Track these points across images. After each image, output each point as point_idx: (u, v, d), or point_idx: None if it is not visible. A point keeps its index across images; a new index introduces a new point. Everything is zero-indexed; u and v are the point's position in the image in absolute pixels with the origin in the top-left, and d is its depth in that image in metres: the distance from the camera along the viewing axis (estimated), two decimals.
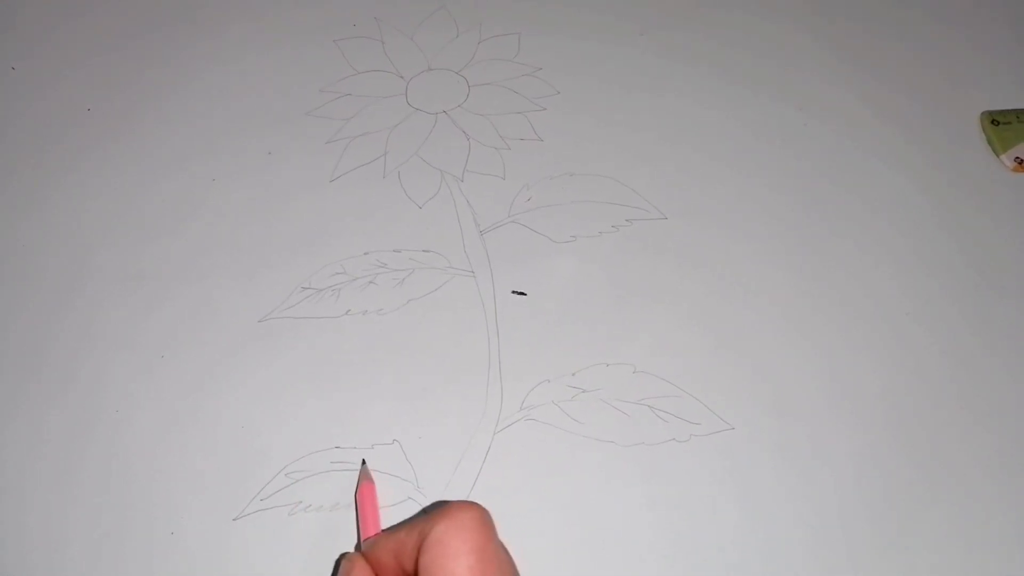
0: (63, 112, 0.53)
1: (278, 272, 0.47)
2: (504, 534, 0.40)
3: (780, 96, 0.55)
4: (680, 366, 0.44)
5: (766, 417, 0.43)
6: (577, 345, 0.45)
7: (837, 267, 0.48)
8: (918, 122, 0.54)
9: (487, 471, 0.41)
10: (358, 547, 0.39)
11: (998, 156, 0.52)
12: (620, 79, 0.55)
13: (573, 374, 0.44)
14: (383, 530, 0.38)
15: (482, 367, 0.44)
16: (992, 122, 0.53)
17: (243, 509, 0.40)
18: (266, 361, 0.44)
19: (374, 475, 0.41)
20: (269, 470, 0.41)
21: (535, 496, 0.41)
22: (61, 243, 0.48)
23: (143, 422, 0.42)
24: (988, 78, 0.56)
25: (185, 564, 0.39)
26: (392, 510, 0.40)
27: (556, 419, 0.43)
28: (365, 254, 0.48)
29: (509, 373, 0.44)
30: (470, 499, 0.41)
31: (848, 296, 0.47)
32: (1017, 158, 0.52)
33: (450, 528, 0.30)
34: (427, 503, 0.41)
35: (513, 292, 0.47)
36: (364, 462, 0.41)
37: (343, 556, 0.38)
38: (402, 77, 0.55)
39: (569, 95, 0.54)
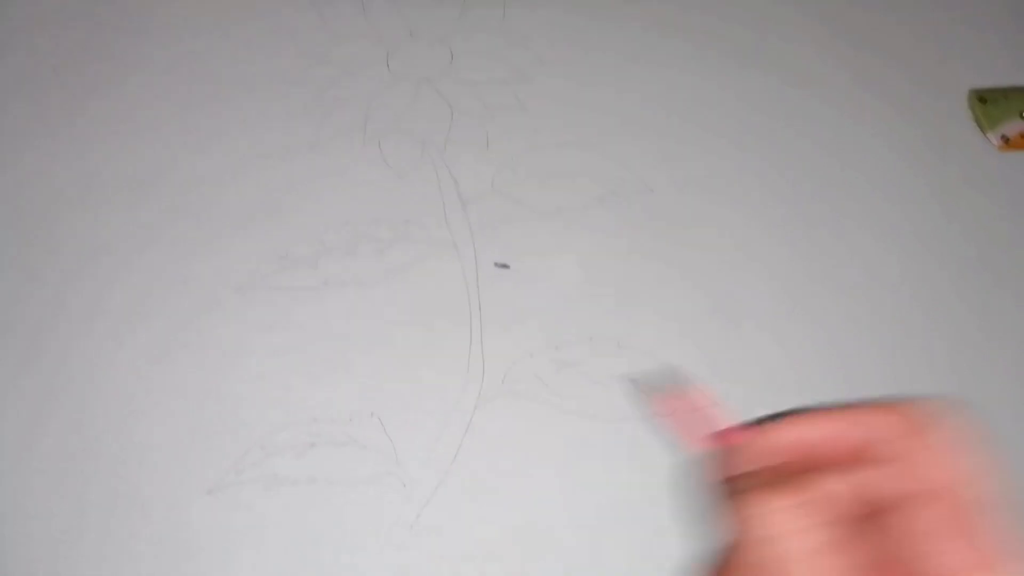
0: (27, 75, 0.51)
1: (255, 242, 0.46)
2: (485, 508, 0.39)
3: (768, 68, 0.54)
4: (665, 340, 0.44)
5: (754, 391, 0.43)
6: (561, 319, 0.44)
7: (824, 239, 0.48)
8: (907, 98, 0.53)
9: (468, 445, 0.41)
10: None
11: (985, 134, 0.52)
12: (607, 48, 0.54)
13: (556, 348, 0.43)
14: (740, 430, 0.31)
15: (464, 340, 0.43)
16: (980, 100, 0.53)
17: (217, 483, 0.39)
18: (242, 332, 0.43)
19: (350, 447, 0.40)
20: (244, 443, 0.40)
21: (516, 471, 0.40)
22: (30, 210, 0.46)
23: (115, 395, 0.41)
24: (976, 56, 0.56)
25: (158, 539, 0.38)
26: (370, 484, 0.40)
27: (539, 394, 0.42)
28: (345, 224, 0.46)
29: (491, 346, 0.43)
30: (451, 472, 0.40)
31: (837, 268, 0.47)
32: (1004, 136, 0.52)
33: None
34: (407, 477, 0.40)
35: (496, 264, 0.46)
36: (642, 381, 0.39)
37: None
38: (384, 43, 0.53)
39: (555, 64, 0.53)
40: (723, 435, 0.31)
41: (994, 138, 0.52)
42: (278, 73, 0.52)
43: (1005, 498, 0.24)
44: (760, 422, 0.30)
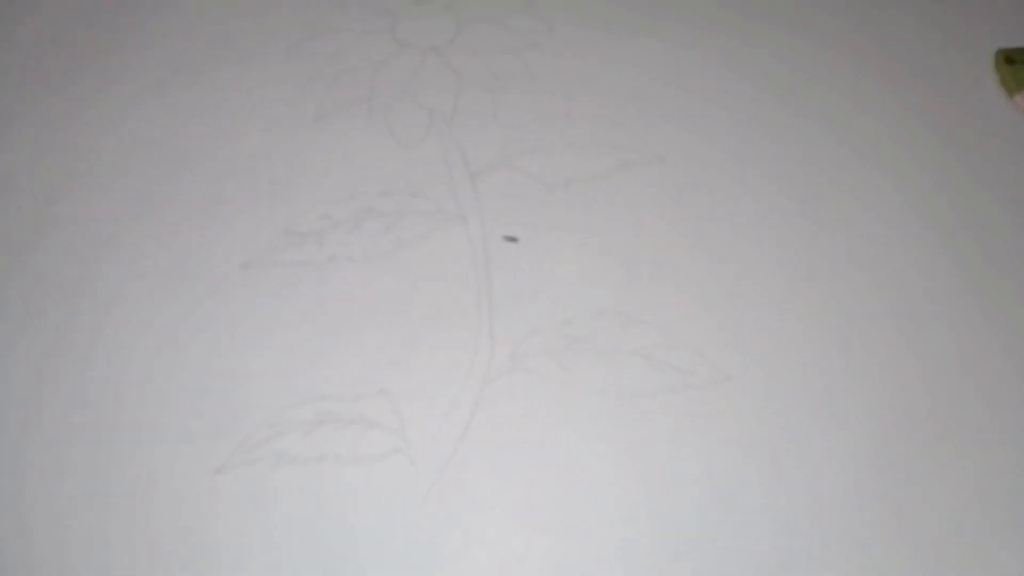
0: (27, 45, 0.50)
1: (260, 217, 0.45)
2: (494, 485, 0.39)
3: (785, 33, 0.52)
4: (676, 315, 0.43)
5: (764, 367, 0.42)
6: (570, 293, 0.43)
7: (840, 211, 0.46)
8: (928, 59, 0.51)
9: (477, 422, 0.40)
10: None
11: (1011, 97, 0.50)
12: (618, 16, 0.52)
13: (566, 323, 0.43)
14: None
15: (472, 315, 0.43)
16: (1007, 60, 0.51)
17: (225, 461, 0.39)
18: (249, 309, 0.43)
19: (358, 425, 0.40)
20: (252, 421, 0.40)
21: (526, 447, 0.40)
22: (40, 193, 0.46)
23: (124, 372, 0.41)
24: (1004, 13, 0.53)
25: (166, 516, 0.38)
26: (379, 462, 0.39)
27: (548, 369, 0.41)
28: (351, 198, 0.46)
29: (500, 321, 0.43)
30: (460, 449, 0.40)
31: (851, 240, 0.45)
32: None
33: None
34: (415, 455, 0.39)
35: (505, 238, 0.45)
36: None
37: None
38: (389, 11, 0.52)
39: (564, 32, 0.52)
40: None
41: (1022, 101, 0.50)
42: (281, 43, 0.51)
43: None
44: None
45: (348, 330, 0.42)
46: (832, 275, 0.45)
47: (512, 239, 0.45)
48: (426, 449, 0.40)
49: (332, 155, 0.47)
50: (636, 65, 0.51)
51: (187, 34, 0.51)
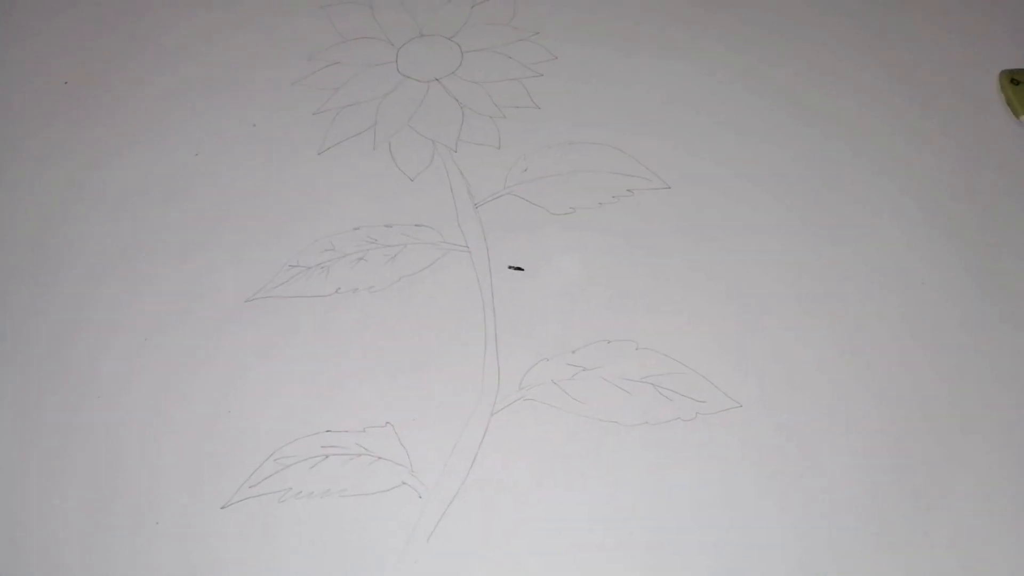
0: (41, 88, 0.51)
1: (265, 249, 0.45)
2: (503, 517, 0.38)
3: (788, 60, 0.52)
4: (685, 342, 0.43)
5: (775, 394, 0.41)
6: (577, 322, 0.43)
7: (848, 236, 0.46)
8: (934, 82, 0.51)
9: (484, 454, 0.40)
10: None
11: (1018, 118, 0.50)
12: (620, 43, 0.53)
13: (573, 352, 0.42)
14: None
15: (478, 346, 0.42)
16: (1012, 81, 0.51)
17: (231, 497, 0.39)
18: (254, 342, 0.43)
19: (365, 458, 0.39)
20: (258, 455, 0.40)
21: (535, 479, 0.39)
22: (42, 224, 0.46)
23: (127, 407, 0.41)
24: (1008, 34, 0.53)
25: (172, 554, 0.37)
26: (385, 495, 0.39)
27: (556, 399, 0.41)
28: (355, 229, 0.46)
29: (506, 351, 0.42)
30: (468, 482, 0.39)
31: (860, 266, 0.45)
32: None
33: None
34: (422, 488, 0.39)
35: (509, 267, 0.45)
36: None
37: None
38: (392, 44, 0.52)
39: (567, 60, 0.52)
40: None
41: None
42: (287, 77, 0.51)
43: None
44: None
45: (353, 362, 0.42)
46: (844, 299, 0.44)
47: (517, 268, 0.45)
48: (433, 482, 0.39)
49: (336, 187, 0.47)
50: (640, 92, 0.51)
51: (193, 69, 0.51)
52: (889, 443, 0.40)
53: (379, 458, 0.40)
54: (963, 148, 0.49)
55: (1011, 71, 0.51)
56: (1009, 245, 0.46)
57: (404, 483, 0.39)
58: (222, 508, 0.38)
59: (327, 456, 0.40)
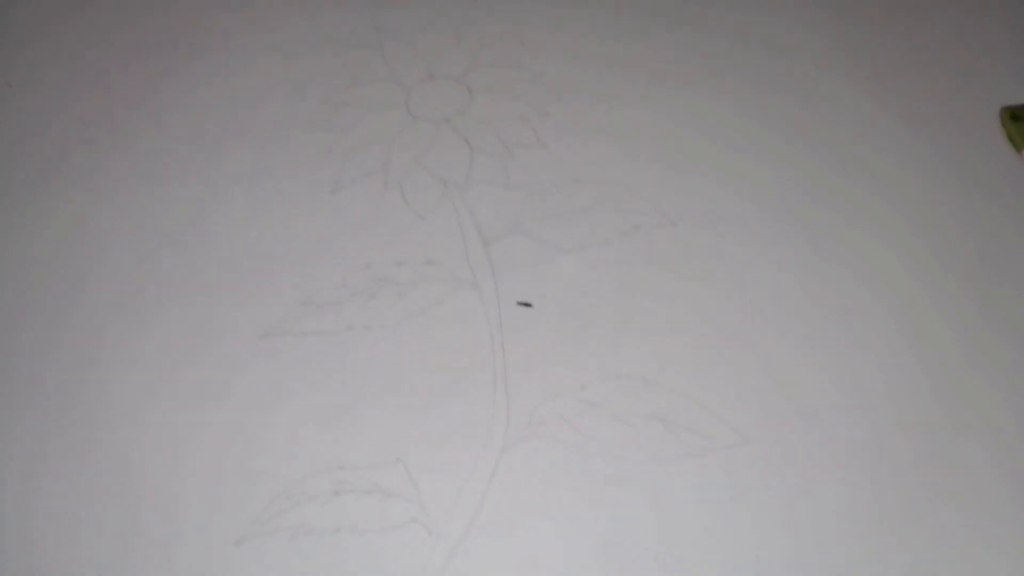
0: (59, 127, 0.52)
1: (279, 287, 0.46)
2: (513, 554, 0.38)
3: (791, 96, 0.53)
4: (693, 378, 0.43)
5: (782, 429, 0.42)
6: (586, 358, 0.43)
7: (852, 272, 0.46)
8: (934, 118, 0.52)
9: (495, 490, 0.40)
10: None
11: (1018, 152, 0.50)
12: (626, 83, 0.54)
13: (582, 388, 0.43)
14: None
15: (488, 382, 0.43)
16: (1013, 117, 0.51)
17: (244, 533, 0.39)
18: (267, 379, 0.43)
19: (376, 495, 0.40)
20: (270, 492, 0.40)
21: (545, 516, 0.39)
22: (59, 260, 0.47)
23: (140, 444, 0.41)
24: (1007, 72, 0.54)
25: None
26: (396, 532, 0.39)
27: (565, 435, 0.41)
28: (367, 267, 0.46)
29: (516, 388, 0.43)
30: (478, 518, 0.39)
31: (864, 301, 0.45)
32: None
33: None
34: (433, 525, 0.39)
35: (518, 303, 0.45)
36: None
37: None
38: (403, 86, 0.54)
39: (573, 100, 0.53)
40: None
41: None
42: (299, 118, 0.52)
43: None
44: None
45: (365, 399, 0.43)
46: (849, 333, 0.44)
47: (526, 304, 0.45)
48: (444, 519, 0.39)
49: (349, 226, 0.48)
50: (645, 130, 0.52)
51: (209, 110, 0.52)
52: (897, 477, 0.40)
53: (390, 495, 0.40)
54: (965, 181, 0.50)
55: (1011, 107, 0.52)
56: (1010, 277, 0.46)
57: (415, 520, 0.39)
58: (235, 545, 0.39)
59: (338, 493, 0.40)
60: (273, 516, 0.39)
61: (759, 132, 0.52)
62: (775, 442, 0.41)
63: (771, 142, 0.51)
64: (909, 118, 0.52)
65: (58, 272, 0.47)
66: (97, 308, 0.46)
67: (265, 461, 0.41)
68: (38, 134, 0.52)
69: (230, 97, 0.53)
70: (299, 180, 0.50)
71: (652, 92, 0.53)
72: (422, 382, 0.43)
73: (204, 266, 0.47)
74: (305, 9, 0.56)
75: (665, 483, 0.40)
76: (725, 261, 0.47)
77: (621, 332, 0.44)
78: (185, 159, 0.51)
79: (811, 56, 0.55)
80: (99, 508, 0.40)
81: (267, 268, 0.47)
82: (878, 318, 0.45)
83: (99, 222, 0.48)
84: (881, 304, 0.45)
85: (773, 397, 0.43)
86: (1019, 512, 0.39)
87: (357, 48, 0.55)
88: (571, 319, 0.45)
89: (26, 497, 0.40)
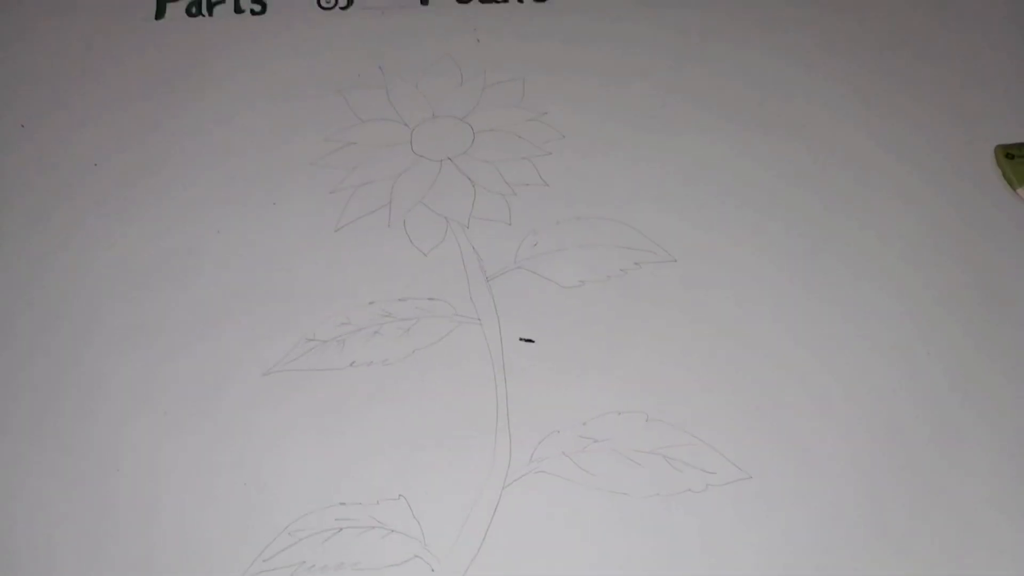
0: (70, 167, 0.53)
1: (283, 324, 0.46)
2: None
3: (790, 135, 0.54)
4: (694, 413, 0.43)
5: (784, 465, 0.42)
6: (587, 394, 0.44)
7: (852, 309, 0.47)
8: (932, 158, 0.53)
9: (497, 526, 0.40)
10: None
11: (1015, 190, 0.51)
12: (626, 122, 0.54)
13: (584, 424, 0.43)
14: None
15: (490, 418, 0.43)
16: (1007, 156, 0.52)
17: (246, 570, 0.39)
18: (270, 416, 0.43)
19: (378, 531, 0.40)
20: (272, 529, 0.40)
21: (547, 552, 0.39)
22: (63, 300, 0.48)
23: (143, 480, 0.42)
24: (1001, 112, 0.55)
25: None
26: (398, 568, 0.39)
27: (567, 471, 0.41)
28: (370, 304, 0.47)
29: (518, 424, 0.43)
30: (480, 554, 0.39)
31: (865, 338, 0.46)
32: None
33: None
34: (435, 561, 0.39)
35: (521, 339, 0.46)
36: None
37: None
38: (407, 125, 0.55)
39: (575, 139, 0.54)
40: None
41: None
42: (305, 156, 0.53)
43: None
44: None
45: (367, 435, 0.43)
46: (849, 371, 0.45)
47: (528, 340, 0.46)
48: (446, 555, 0.39)
49: (353, 263, 0.48)
50: (645, 168, 0.52)
51: (215, 150, 0.53)
52: (900, 513, 0.40)
53: (392, 531, 0.40)
54: (963, 219, 0.50)
55: (1006, 146, 0.53)
56: (1009, 313, 0.46)
57: (417, 556, 0.39)
58: None
59: (341, 529, 0.40)
60: (275, 553, 0.39)
61: (758, 171, 0.52)
62: (777, 478, 0.41)
63: (770, 180, 0.52)
64: (910, 156, 0.53)
65: (62, 311, 0.47)
66: (101, 345, 0.46)
67: (267, 497, 0.41)
68: (47, 174, 0.53)
69: (234, 135, 0.54)
70: (303, 218, 0.51)
71: (652, 132, 0.54)
72: (424, 418, 0.43)
73: (208, 304, 0.47)
74: (310, 48, 0.58)
75: (667, 518, 0.40)
76: (725, 297, 0.47)
77: (622, 368, 0.45)
78: (189, 197, 0.51)
79: (810, 96, 0.56)
80: (102, 546, 0.40)
81: (271, 305, 0.47)
82: (877, 356, 0.45)
83: (103, 261, 0.49)
84: (880, 342, 0.46)
85: (775, 433, 0.43)
86: None
87: (362, 88, 0.56)
88: (573, 355, 0.45)
89: (35, 540, 0.40)
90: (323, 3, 0.60)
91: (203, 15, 0.59)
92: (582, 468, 0.41)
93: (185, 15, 0.59)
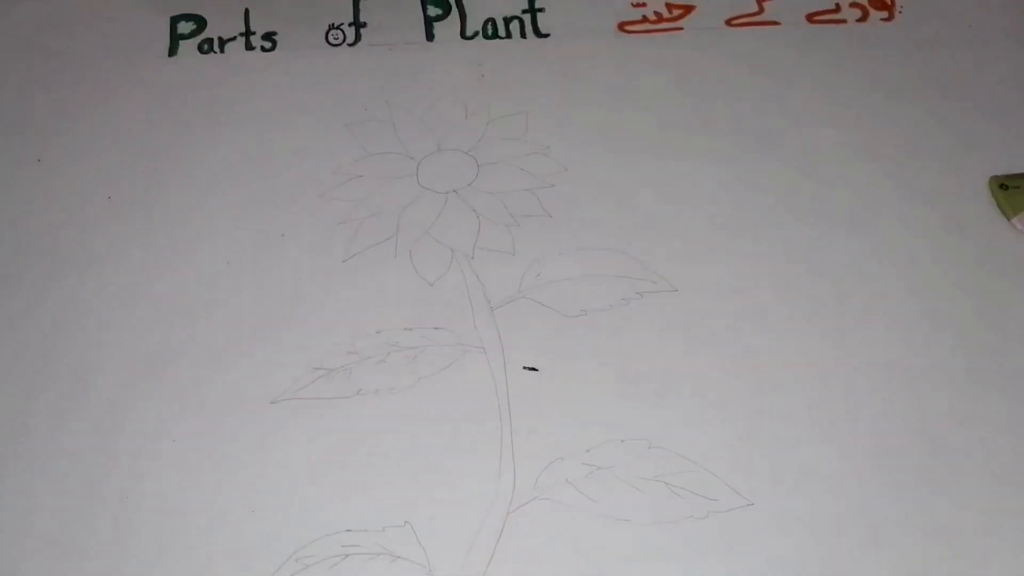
0: (85, 200, 0.54)
1: (291, 353, 0.47)
2: None
3: (789, 165, 0.55)
4: (696, 441, 0.44)
5: (785, 491, 0.42)
6: (590, 421, 0.44)
7: (851, 337, 0.48)
8: (928, 188, 0.54)
9: (501, 552, 0.41)
10: None
11: (1009, 220, 0.52)
12: (626, 154, 0.56)
13: (587, 451, 0.43)
14: None
15: (494, 445, 0.44)
16: (1001, 186, 0.53)
17: None
18: (278, 443, 0.44)
19: (384, 557, 0.40)
20: (279, 555, 0.41)
21: None
22: (78, 328, 0.48)
23: (152, 507, 0.42)
24: (995, 143, 0.56)
25: None
26: None
27: (571, 498, 0.42)
28: (377, 332, 0.48)
29: (522, 451, 0.43)
30: None
31: (863, 365, 0.46)
32: None
33: None
34: None
35: (524, 368, 0.46)
36: None
37: None
38: (413, 158, 0.56)
39: (576, 172, 0.55)
40: None
41: (1019, 224, 0.52)
42: (314, 189, 0.54)
43: None
44: None
45: (373, 462, 0.43)
46: (849, 398, 0.45)
47: (532, 369, 0.46)
48: None
49: (359, 293, 0.49)
50: (646, 200, 0.53)
51: (227, 188, 0.54)
52: (903, 541, 0.41)
53: (398, 557, 0.40)
54: (958, 248, 0.51)
55: (999, 177, 0.54)
56: (1006, 340, 0.47)
57: None
58: None
59: (347, 555, 0.40)
60: None
61: (758, 201, 0.53)
62: (779, 505, 0.42)
63: (769, 210, 0.53)
64: (908, 185, 0.54)
65: (74, 341, 0.48)
66: (112, 375, 0.47)
67: (275, 524, 0.42)
68: (62, 206, 0.54)
69: (245, 168, 0.55)
70: (312, 248, 0.52)
71: (651, 164, 0.55)
72: (430, 445, 0.44)
73: (217, 333, 0.48)
74: (319, 84, 0.59)
75: (669, 545, 0.40)
76: (725, 326, 0.48)
77: (624, 396, 0.45)
78: (199, 229, 0.52)
79: (809, 128, 0.57)
80: (107, 571, 0.40)
81: (279, 334, 0.48)
82: (875, 384, 0.46)
83: (115, 291, 0.50)
84: (878, 369, 0.46)
85: (776, 460, 0.43)
86: None
87: (369, 121, 0.58)
88: (576, 383, 0.46)
89: (45, 570, 0.41)
90: (331, 40, 0.61)
91: (215, 52, 0.60)
92: (585, 495, 0.42)
93: (198, 52, 0.60)
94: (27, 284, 0.50)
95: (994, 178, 0.54)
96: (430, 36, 0.61)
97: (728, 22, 0.62)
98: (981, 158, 0.55)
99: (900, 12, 0.62)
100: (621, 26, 0.62)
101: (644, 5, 0.63)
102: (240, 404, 0.46)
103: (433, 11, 0.63)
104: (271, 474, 0.43)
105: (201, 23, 0.61)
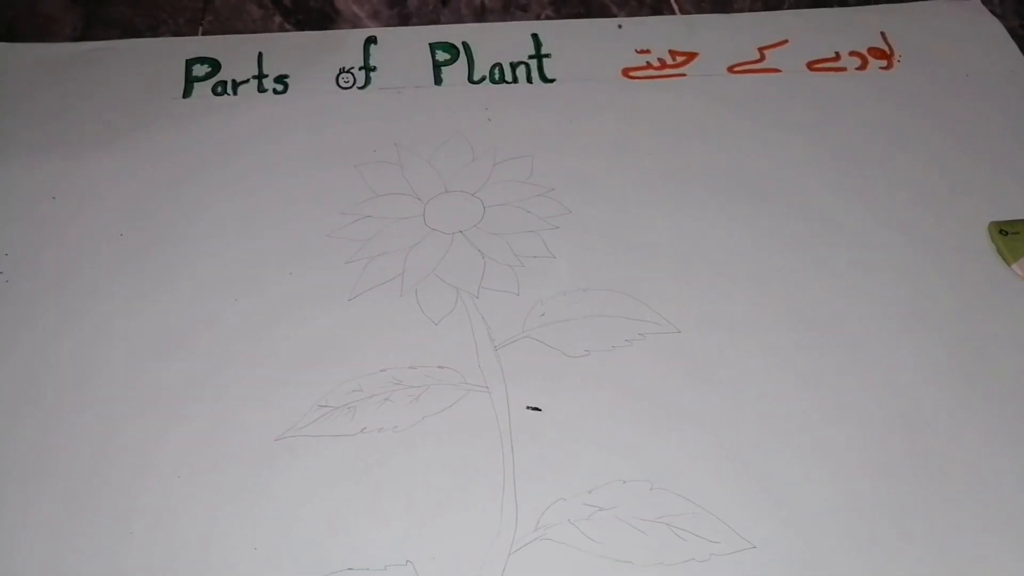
0: (98, 237, 0.55)
1: (295, 390, 0.48)
2: None
3: (790, 210, 0.56)
4: (698, 483, 0.44)
5: (788, 534, 0.42)
6: (593, 462, 0.45)
7: (852, 381, 0.48)
8: (927, 234, 0.54)
9: None
10: None
11: (1009, 266, 0.52)
12: (630, 197, 0.56)
13: (589, 492, 0.43)
14: None
15: (497, 485, 0.44)
16: (1001, 232, 0.54)
17: None
18: (281, 481, 0.44)
19: None
20: None
21: None
22: (87, 364, 0.49)
23: (156, 544, 0.42)
24: (994, 188, 0.57)
25: None
26: None
27: (572, 539, 0.42)
28: (381, 371, 0.48)
29: (524, 491, 0.43)
30: None
31: (865, 409, 0.47)
32: None
33: None
34: None
35: (528, 408, 0.47)
36: None
37: None
38: (420, 199, 0.57)
39: (581, 213, 0.56)
40: None
41: (1019, 269, 0.52)
42: (322, 228, 0.55)
43: None
44: None
45: (376, 500, 0.43)
46: (854, 442, 0.45)
47: (535, 409, 0.47)
48: None
49: (365, 332, 0.50)
50: (650, 241, 0.54)
51: (236, 227, 0.55)
52: None
53: None
54: (957, 294, 0.51)
55: (999, 223, 0.54)
56: (1003, 388, 0.47)
57: None
58: None
59: None
60: None
61: (759, 245, 0.54)
62: (781, 547, 0.42)
63: (770, 254, 0.54)
64: (903, 232, 0.55)
65: (83, 377, 0.48)
66: (120, 410, 0.47)
67: (277, 561, 0.42)
68: (77, 243, 0.54)
69: (255, 207, 0.56)
70: (318, 287, 0.52)
71: (655, 206, 0.56)
72: (433, 484, 0.44)
73: (222, 370, 0.49)
74: (329, 126, 0.60)
75: None
76: (729, 368, 0.48)
77: (627, 437, 0.46)
78: (209, 266, 0.53)
79: (809, 173, 0.58)
80: None
81: (284, 372, 0.48)
82: (877, 428, 0.46)
83: (124, 327, 0.50)
84: (880, 414, 0.47)
85: (779, 502, 0.43)
86: None
87: (377, 163, 0.59)
88: (578, 424, 0.46)
89: None
90: (342, 83, 0.63)
91: (228, 94, 0.62)
92: (587, 536, 0.42)
93: (211, 94, 0.62)
94: (35, 317, 0.51)
95: (994, 223, 0.54)
96: (438, 80, 0.63)
97: (730, 69, 0.63)
98: (981, 203, 0.56)
99: (899, 61, 0.64)
100: (625, 72, 0.63)
101: (648, 52, 0.64)
102: (244, 441, 0.46)
103: (441, 56, 0.64)
104: (273, 511, 0.43)
105: (215, 66, 0.63)
